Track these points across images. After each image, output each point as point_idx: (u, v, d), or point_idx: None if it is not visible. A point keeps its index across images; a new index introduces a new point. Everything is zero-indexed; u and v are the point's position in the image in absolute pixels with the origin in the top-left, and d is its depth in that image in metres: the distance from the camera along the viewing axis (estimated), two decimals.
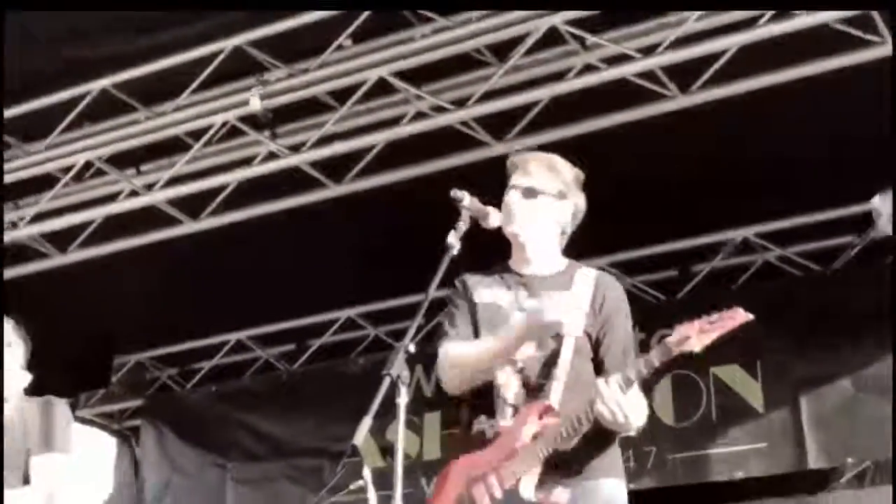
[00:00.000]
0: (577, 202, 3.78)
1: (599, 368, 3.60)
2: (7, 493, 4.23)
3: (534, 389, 3.55)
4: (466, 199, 3.49)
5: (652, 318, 6.52)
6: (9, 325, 4.54)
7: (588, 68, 5.54)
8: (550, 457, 3.44)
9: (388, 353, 3.18)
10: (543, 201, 3.71)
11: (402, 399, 3.10)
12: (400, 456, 3.11)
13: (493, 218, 3.55)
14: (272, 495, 8.23)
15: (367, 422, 3.10)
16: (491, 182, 3.70)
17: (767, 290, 7.04)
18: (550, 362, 3.54)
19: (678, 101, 5.46)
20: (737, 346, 6.24)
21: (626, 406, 3.33)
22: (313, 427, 8.16)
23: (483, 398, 3.62)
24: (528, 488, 3.44)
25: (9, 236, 6.92)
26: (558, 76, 5.62)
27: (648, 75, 5.41)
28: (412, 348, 3.16)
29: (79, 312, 7.48)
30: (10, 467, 4.29)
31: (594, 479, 3.50)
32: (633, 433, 3.45)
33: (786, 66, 5.17)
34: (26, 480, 4.31)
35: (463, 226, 3.43)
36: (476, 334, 3.70)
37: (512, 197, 3.68)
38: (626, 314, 3.69)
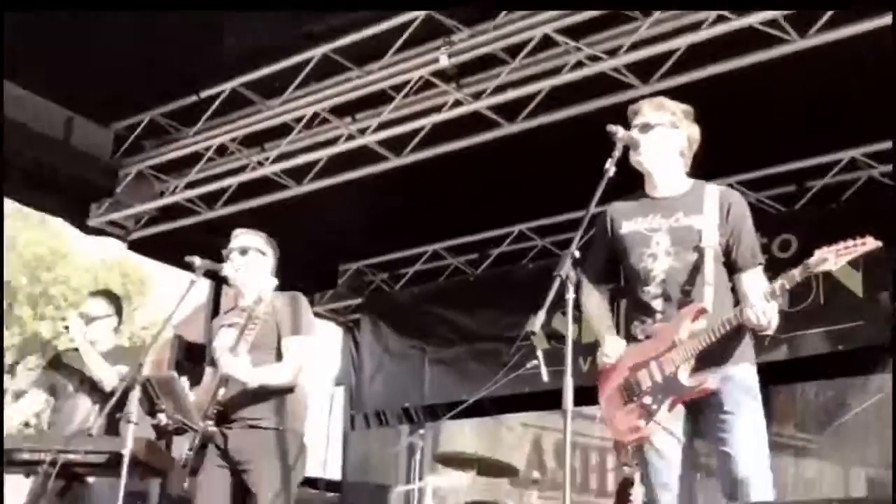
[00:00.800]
0: (690, 132, 3.73)
1: (732, 269, 3.58)
2: (265, 367, 4.32)
3: (679, 296, 3.55)
4: (620, 132, 3.49)
5: (772, 225, 6.37)
6: (263, 238, 4.70)
7: (720, 18, 5.37)
8: (703, 350, 3.45)
9: (553, 259, 3.22)
10: (659, 132, 3.67)
11: (570, 294, 3.14)
12: (570, 340, 3.15)
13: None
14: (460, 373, 8.30)
15: (541, 314, 3.15)
16: None
17: (870, 201, 6.79)
18: (695, 271, 3.54)
19: (795, 45, 5.27)
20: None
21: (771, 313, 3.33)
22: (493, 319, 8.23)
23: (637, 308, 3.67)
24: (684, 376, 3.47)
25: (258, 172, 7.16)
26: (694, 27, 5.46)
27: (770, 23, 5.23)
28: (577, 254, 3.19)
29: (312, 231, 7.67)
30: (266, 348, 4.37)
31: (734, 364, 3.51)
32: (771, 333, 3.44)
33: None
34: (279, 357, 4.43)
35: (617, 154, 3.43)
36: (613, 262, 3.77)
37: (632, 133, 3.62)
38: (751, 222, 3.63)
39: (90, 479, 5.06)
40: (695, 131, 3.74)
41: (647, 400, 3.52)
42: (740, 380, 3.48)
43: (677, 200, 3.65)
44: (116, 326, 5.63)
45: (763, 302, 3.35)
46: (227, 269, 4.56)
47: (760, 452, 3.39)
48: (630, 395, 3.58)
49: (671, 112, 3.70)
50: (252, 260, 4.57)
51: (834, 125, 6.41)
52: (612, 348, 3.69)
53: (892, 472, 5.66)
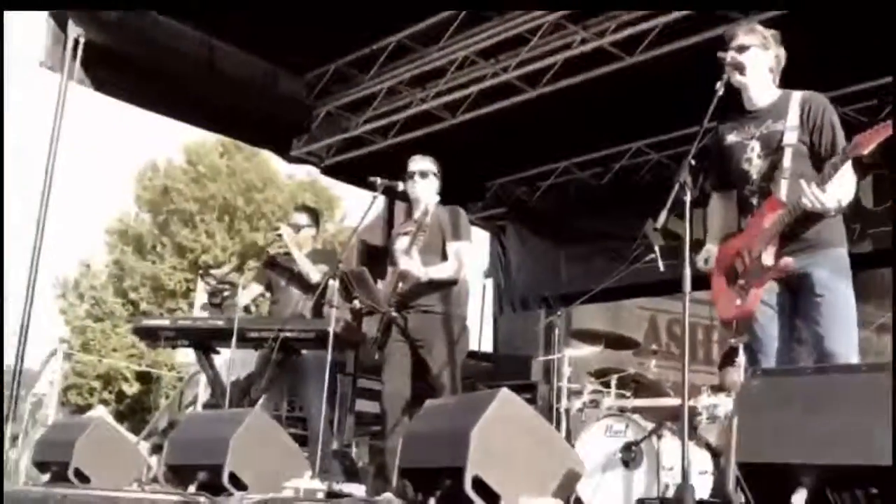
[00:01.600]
0: (778, 52, 3.53)
1: (821, 161, 3.37)
2: (433, 266, 4.42)
3: (762, 188, 3.42)
4: (728, 58, 3.34)
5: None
6: (433, 162, 4.73)
7: None
8: (785, 234, 3.31)
9: (664, 171, 3.14)
10: (753, 52, 3.47)
11: (688, 196, 3.07)
12: (687, 236, 3.09)
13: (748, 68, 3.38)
14: (589, 266, 8.22)
15: (664, 213, 3.10)
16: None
17: None
18: (776, 168, 3.38)
19: None
20: None
21: (823, 197, 3.15)
22: (616, 221, 8.09)
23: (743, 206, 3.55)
24: (767, 258, 3.35)
25: (421, 108, 7.18)
26: None
27: None
28: (693, 162, 3.10)
29: (465, 154, 7.64)
30: (433, 250, 4.48)
31: (823, 249, 3.34)
32: (833, 214, 3.25)
33: None
34: (444, 257, 4.51)
35: (725, 76, 3.29)
36: (725, 169, 3.59)
37: (730, 54, 3.44)
38: (831, 115, 3.38)
39: (303, 352, 5.27)
40: (781, 52, 3.54)
41: (742, 281, 3.43)
42: (830, 263, 3.31)
43: (767, 111, 3.49)
44: (315, 234, 5.76)
45: (812, 188, 3.16)
46: (409, 187, 4.64)
47: (848, 331, 3.24)
48: (730, 279, 3.50)
49: (762, 35, 3.51)
50: (430, 181, 4.66)
51: None
52: (702, 254, 3.62)
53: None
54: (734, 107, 3.61)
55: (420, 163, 4.68)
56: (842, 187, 3.23)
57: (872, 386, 2.12)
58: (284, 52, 7.08)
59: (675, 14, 5.65)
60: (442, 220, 4.53)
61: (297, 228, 5.54)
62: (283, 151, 8.10)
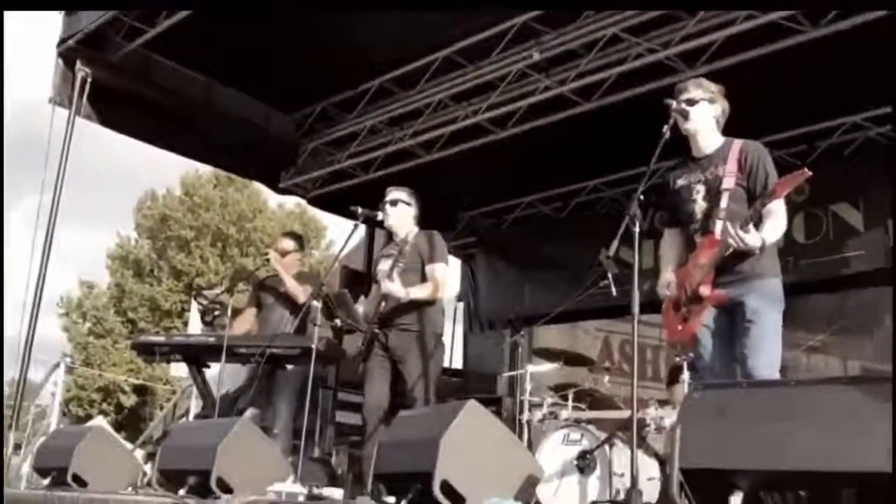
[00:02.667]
0: (724, 105, 3.59)
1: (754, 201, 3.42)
2: (413, 287, 4.42)
3: (704, 227, 3.50)
4: (674, 104, 3.40)
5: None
6: (407, 192, 4.72)
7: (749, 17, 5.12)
8: (720, 268, 3.39)
9: (618, 206, 3.19)
10: (701, 105, 3.54)
11: (637, 228, 3.10)
12: (636, 264, 3.12)
13: (692, 115, 3.44)
14: (550, 291, 8.10)
15: (615, 243, 3.13)
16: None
17: (868, 156, 6.45)
18: (714, 208, 3.48)
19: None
20: (847, 189, 5.84)
21: (746, 238, 3.23)
22: (574, 251, 8.06)
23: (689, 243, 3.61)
24: (704, 289, 3.44)
25: (399, 146, 7.19)
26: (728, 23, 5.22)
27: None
28: (641, 198, 3.13)
29: (439, 188, 7.68)
30: (413, 272, 4.48)
31: (757, 279, 3.40)
32: (756, 251, 3.31)
33: None
34: (424, 279, 4.51)
35: (671, 121, 3.35)
36: (675, 212, 3.67)
37: (679, 105, 3.52)
38: (765, 162, 3.44)
39: (288, 367, 5.23)
40: (726, 105, 3.62)
41: (684, 309, 3.52)
42: (761, 293, 3.38)
43: (711, 157, 3.57)
44: (301, 258, 5.73)
45: (735, 229, 3.25)
46: (382, 216, 4.64)
47: (770, 353, 3.29)
48: (675, 306, 3.58)
49: (710, 90, 3.58)
50: (399, 208, 4.66)
51: (839, 96, 6.12)
52: (661, 282, 3.67)
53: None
54: (684, 153, 3.68)
55: (392, 193, 4.69)
56: (770, 227, 3.30)
57: (797, 398, 2.15)
58: (276, 93, 7.10)
59: (630, 65, 5.73)
60: (420, 245, 4.54)
61: (284, 253, 5.51)
62: (272, 183, 8.07)
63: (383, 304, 4.43)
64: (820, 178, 6.31)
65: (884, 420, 1.97)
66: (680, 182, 3.63)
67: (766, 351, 3.29)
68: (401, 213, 4.65)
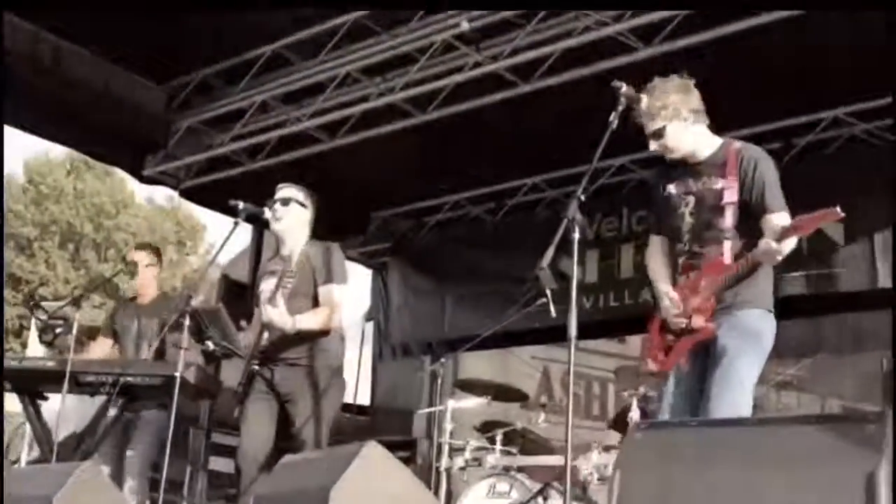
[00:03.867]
0: (692, 104, 3.61)
1: (758, 210, 3.50)
2: (301, 315, 4.29)
3: (703, 251, 3.56)
4: (623, 88, 3.44)
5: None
6: (303, 191, 4.62)
7: None
8: (716, 296, 3.46)
9: (562, 208, 3.21)
10: (667, 130, 3.59)
11: (576, 234, 3.12)
12: (575, 277, 3.14)
13: (644, 101, 3.49)
14: (477, 310, 8.24)
15: (550, 251, 3.14)
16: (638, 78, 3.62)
17: (852, 156, 6.69)
18: (706, 226, 3.55)
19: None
20: (826, 194, 6.00)
21: (781, 251, 3.29)
22: (508, 262, 8.14)
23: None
24: (697, 321, 3.48)
25: (295, 127, 7.13)
26: None
27: None
28: (583, 198, 3.16)
29: (345, 181, 7.65)
30: (302, 295, 4.36)
31: (738, 310, 3.47)
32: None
33: None
34: (315, 303, 4.40)
35: (620, 107, 3.39)
36: (662, 220, 3.74)
37: (655, 146, 3.63)
38: (764, 169, 3.52)
39: (143, 413, 5.12)
40: (692, 100, 3.62)
41: (670, 338, 3.57)
42: (736, 326, 3.45)
43: (704, 164, 3.64)
44: (157, 274, 5.70)
45: (768, 244, 3.30)
46: (269, 218, 4.53)
47: (733, 395, 3.35)
48: (662, 330, 3.63)
49: (662, 108, 3.58)
50: (292, 210, 4.53)
51: (819, 86, 6.29)
52: (665, 299, 3.63)
53: None
54: (636, 141, 3.74)
55: (286, 191, 4.57)
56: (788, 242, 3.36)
57: (760, 441, 2.19)
58: (140, 55, 6.93)
59: (576, 39, 5.80)
60: (313, 260, 4.42)
61: (133, 267, 5.44)
62: (135, 170, 7.89)
63: (266, 333, 4.33)
64: (797, 181, 6.63)
65: (863, 468, 2.01)
66: (671, 189, 3.70)
67: (729, 396, 3.34)
68: (293, 218, 4.53)
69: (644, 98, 3.59)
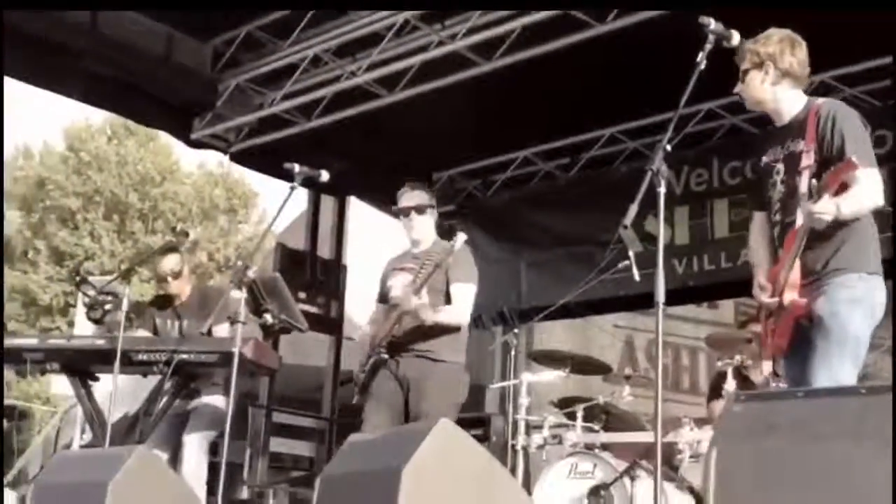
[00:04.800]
0: (782, 61, 3.62)
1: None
2: (441, 309, 4.57)
3: (782, 216, 3.60)
4: (712, 24, 3.38)
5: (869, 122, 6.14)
6: (427, 193, 4.92)
7: None
8: (803, 268, 3.46)
9: (645, 161, 3.19)
10: (750, 76, 3.65)
11: (662, 188, 3.10)
12: (661, 237, 3.12)
13: (735, 37, 3.44)
14: (554, 276, 8.26)
15: (633, 208, 3.12)
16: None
17: None
18: (791, 193, 3.55)
19: None
20: None
21: (813, 208, 3.28)
22: (586, 222, 8.16)
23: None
24: (789, 296, 3.47)
25: (351, 82, 7.16)
26: None
27: None
28: (668, 148, 3.13)
29: (405, 139, 7.68)
30: (436, 291, 4.62)
31: (829, 277, 3.45)
32: (837, 224, 3.37)
33: None
34: (447, 300, 4.66)
35: (708, 46, 3.34)
36: (761, 193, 3.75)
37: (738, 87, 3.70)
38: (842, 122, 3.49)
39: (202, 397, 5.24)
40: (787, 59, 3.63)
41: (772, 320, 3.57)
42: (833, 294, 3.42)
43: (788, 128, 3.66)
44: (188, 270, 5.77)
45: (809, 206, 3.33)
46: (404, 225, 4.85)
47: (831, 367, 3.33)
48: (768, 315, 3.63)
49: (752, 53, 3.63)
50: (426, 218, 4.84)
51: None
52: (755, 286, 3.67)
53: None
54: (727, 82, 3.72)
55: (412, 196, 4.85)
56: (851, 195, 3.34)
57: (870, 411, 2.16)
58: (183, 11, 7.00)
59: None
60: (446, 259, 4.65)
61: (170, 277, 5.54)
62: (183, 134, 8.01)
63: (397, 326, 4.60)
64: None
65: None
66: (764, 158, 3.73)
67: (829, 371, 3.33)
68: (427, 225, 4.85)
69: (739, 39, 3.57)
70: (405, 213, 4.83)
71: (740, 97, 3.72)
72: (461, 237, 4.64)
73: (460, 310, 4.68)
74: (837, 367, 3.34)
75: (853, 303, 3.40)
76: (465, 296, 4.71)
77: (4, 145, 5.42)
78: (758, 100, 3.68)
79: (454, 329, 4.68)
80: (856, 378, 3.37)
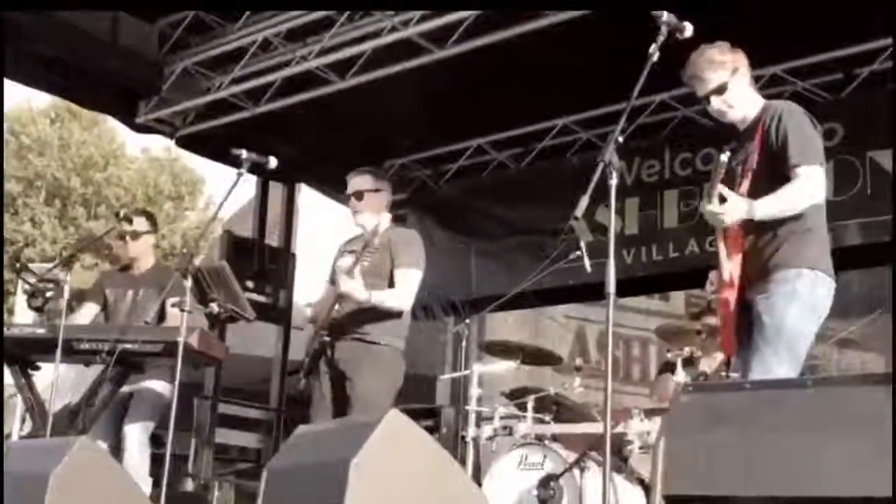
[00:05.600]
0: (731, 71, 3.68)
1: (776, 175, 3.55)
2: (378, 291, 4.57)
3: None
4: (664, 16, 3.40)
5: (816, 114, 6.26)
6: (372, 175, 4.88)
7: None
8: (743, 266, 3.55)
9: (597, 151, 3.22)
10: (734, 87, 3.69)
11: (613, 181, 3.13)
12: (613, 228, 3.15)
13: (688, 29, 3.46)
14: (505, 266, 8.30)
15: (584, 199, 3.14)
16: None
17: None
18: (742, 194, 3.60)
19: None
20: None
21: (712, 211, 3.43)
22: (538, 212, 8.18)
23: None
24: (726, 293, 3.56)
25: (301, 67, 7.12)
26: None
27: None
28: (620, 139, 3.15)
29: (356, 126, 7.64)
30: (379, 275, 4.65)
31: (772, 272, 3.52)
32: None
33: None
34: (391, 284, 4.66)
35: (661, 38, 3.36)
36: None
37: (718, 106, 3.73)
38: (789, 119, 3.56)
39: (142, 384, 5.19)
40: (734, 66, 3.69)
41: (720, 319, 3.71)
42: (773, 290, 3.49)
43: (747, 130, 3.74)
44: (155, 243, 5.82)
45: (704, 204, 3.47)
46: (351, 212, 4.84)
47: (767, 364, 3.41)
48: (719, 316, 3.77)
49: (720, 65, 3.67)
50: (369, 201, 4.82)
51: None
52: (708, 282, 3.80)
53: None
54: (676, 75, 3.75)
55: (358, 181, 4.84)
56: (777, 195, 3.46)
57: (817, 403, 2.20)
58: None
59: None
60: (393, 242, 4.74)
61: (135, 235, 5.50)
62: (128, 118, 7.92)
63: (337, 306, 4.60)
64: (855, 116, 6.56)
65: None
66: (733, 162, 3.74)
67: (762, 365, 3.40)
68: (371, 207, 4.81)
69: (703, 50, 3.67)
70: (355, 196, 4.83)
71: (720, 111, 3.73)
72: (386, 216, 4.67)
73: (400, 293, 4.67)
74: (772, 361, 3.41)
75: (789, 297, 3.46)
76: (408, 280, 4.70)
77: None
78: (740, 107, 3.72)
79: (395, 314, 4.68)
80: (796, 372, 3.43)
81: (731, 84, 3.67)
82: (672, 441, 2.26)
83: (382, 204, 4.90)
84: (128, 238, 5.51)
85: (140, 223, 5.61)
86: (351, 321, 4.64)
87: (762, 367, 3.41)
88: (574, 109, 8.12)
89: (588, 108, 7.97)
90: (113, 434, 5.26)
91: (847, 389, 2.24)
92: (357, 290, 4.49)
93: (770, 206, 3.46)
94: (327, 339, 4.65)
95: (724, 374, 4.87)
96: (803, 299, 3.47)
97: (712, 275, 3.74)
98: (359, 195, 4.81)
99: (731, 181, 3.68)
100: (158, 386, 5.27)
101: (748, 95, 3.74)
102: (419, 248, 4.84)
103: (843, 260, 6.66)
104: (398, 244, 4.75)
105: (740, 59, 3.70)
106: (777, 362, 3.41)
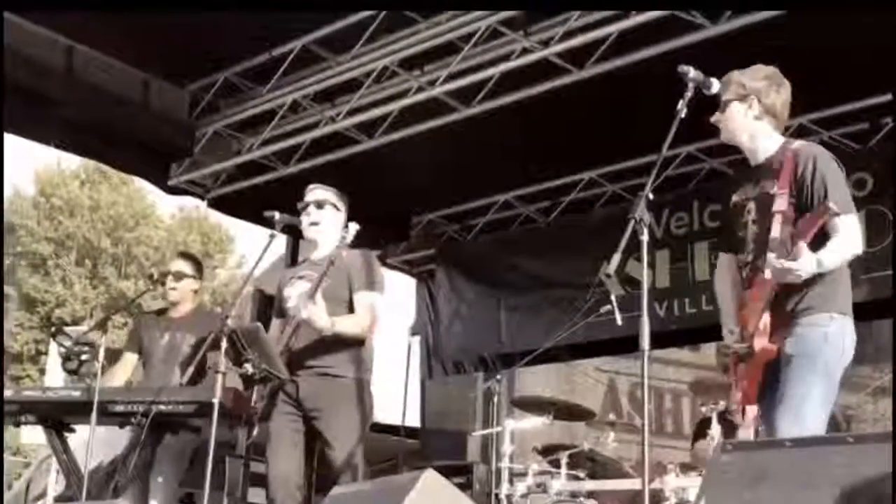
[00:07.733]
0: (770, 99, 3.63)
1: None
2: (342, 317, 4.37)
3: (753, 258, 3.57)
4: (691, 73, 3.44)
5: (846, 164, 6.28)
6: (335, 192, 4.74)
7: None
8: (771, 312, 3.45)
9: (625, 204, 3.23)
10: (730, 107, 3.64)
11: (644, 237, 3.15)
12: (645, 283, 3.16)
13: (714, 86, 3.50)
14: (535, 320, 8.29)
15: (616, 256, 3.16)
16: (706, 61, 3.63)
17: None
18: (765, 236, 3.51)
19: None
20: None
21: (791, 266, 3.27)
22: (567, 265, 8.22)
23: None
24: (757, 342, 3.46)
25: (330, 128, 7.21)
26: None
27: None
28: (651, 196, 3.17)
29: (384, 184, 7.69)
30: (337, 300, 4.43)
31: (800, 318, 3.44)
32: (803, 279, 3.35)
33: None
34: (350, 310, 4.48)
35: (689, 94, 3.40)
36: (730, 234, 3.75)
37: (716, 116, 3.67)
38: (823, 168, 3.48)
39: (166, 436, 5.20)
40: (772, 96, 3.64)
41: (742, 366, 3.55)
42: (801, 335, 3.42)
43: (762, 167, 3.65)
44: (197, 289, 5.78)
45: (776, 262, 3.32)
46: (303, 222, 4.66)
47: (803, 422, 3.30)
48: (735, 360, 3.59)
49: (738, 84, 3.64)
50: (327, 213, 4.66)
51: None
52: (725, 332, 3.69)
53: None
54: (705, 129, 3.76)
55: (319, 192, 4.69)
56: (834, 245, 3.36)
57: (858, 459, 2.19)
58: (160, 57, 7.04)
59: (634, 19, 5.78)
60: (350, 266, 4.50)
61: (178, 277, 5.52)
62: (159, 180, 8.02)
63: (293, 339, 4.37)
64: (885, 162, 6.56)
65: None
66: (735, 198, 3.73)
67: (795, 415, 3.31)
68: (328, 222, 4.64)
69: (753, 68, 3.65)
70: (303, 208, 4.64)
71: (718, 126, 3.70)
72: (353, 226, 4.37)
73: (361, 319, 4.42)
74: (806, 414, 3.32)
75: (823, 340, 3.40)
76: (367, 304, 4.45)
77: None
78: (735, 132, 3.67)
79: (358, 342, 4.44)
80: (826, 416, 3.37)
81: (731, 106, 3.64)
82: (713, 499, 2.25)
83: (340, 224, 4.61)
84: (170, 279, 5.54)
85: (184, 266, 5.67)
86: (310, 354, 4.39)
87: (795, 408, 3.32)
88: (600, 163, 8.16)
89: (615, 161, 8.01)
90: (140, 485, 5.24)
91: (887, 446, 2.22)
92: (320, 316, 4.25)
93: (833, 261, 3.36)
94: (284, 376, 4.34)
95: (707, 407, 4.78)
96: (836, 343, 3.42)
97: (731, 323, 3.65)
98: (320, 204, 4.63)
99: (737, 215, 3.68)
100: (179, 439, 5.23)
101: (750, 128, 3.65)
102: (376, 270, 4.58)
103: (879, 310, 6.72)
104: (355, 266, 4.50)
105: (764, 93, 3.63)
106: (810, 402, 3.34)
